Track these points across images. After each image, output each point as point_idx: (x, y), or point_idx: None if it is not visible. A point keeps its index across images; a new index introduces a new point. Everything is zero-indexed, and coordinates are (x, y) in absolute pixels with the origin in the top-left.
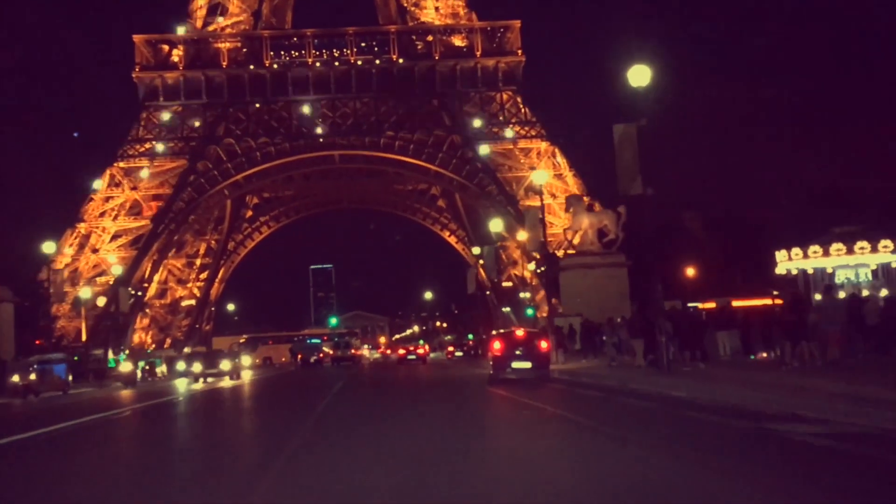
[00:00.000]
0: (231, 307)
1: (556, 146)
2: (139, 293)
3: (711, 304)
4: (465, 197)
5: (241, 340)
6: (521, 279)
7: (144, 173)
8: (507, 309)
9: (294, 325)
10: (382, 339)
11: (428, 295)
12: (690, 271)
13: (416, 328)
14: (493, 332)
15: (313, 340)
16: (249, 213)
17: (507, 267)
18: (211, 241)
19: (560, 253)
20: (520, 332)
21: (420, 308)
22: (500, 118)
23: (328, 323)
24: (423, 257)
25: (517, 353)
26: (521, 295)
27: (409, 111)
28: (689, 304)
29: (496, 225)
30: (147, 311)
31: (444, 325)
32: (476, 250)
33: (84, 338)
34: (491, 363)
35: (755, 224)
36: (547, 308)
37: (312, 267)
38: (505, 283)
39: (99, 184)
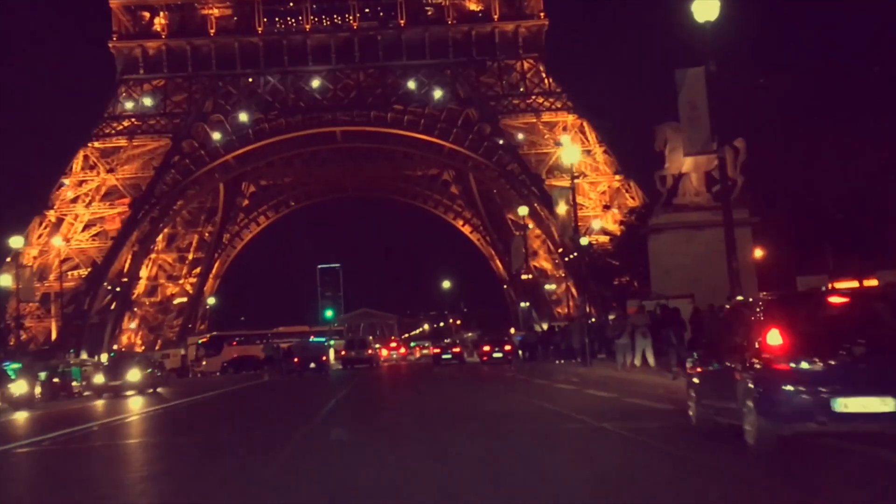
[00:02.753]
0: (211, 301)
1: (584, 119)
2: (118, 288)
3: (849, 282)
4: (481, 179)
5: (202, 340)
6: (542, 272)
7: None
8: (527, 304)
9: (299, 324)
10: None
11: (446, 284)
12: (758, 252)
13: (426, 326)
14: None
15: (317, 339)
16: (245, 202)
17: (526, 258)
18: (204, 233)
19: (592, 239)
20: (838, 298)
21: (429, 306)
22: (521, 89)
23: (324, 317)
24: (433, 250)
25: (862, 365)
26: (547, 287)
27: (419, 83)
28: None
29: (571, 155)
30: (136, 309)
31: (458, 322)
32: (523, 210)
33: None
34: (791, 388)
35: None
36: (574, 304)
37: (320, 266)
38: (524, 276)
39: (71, 166)
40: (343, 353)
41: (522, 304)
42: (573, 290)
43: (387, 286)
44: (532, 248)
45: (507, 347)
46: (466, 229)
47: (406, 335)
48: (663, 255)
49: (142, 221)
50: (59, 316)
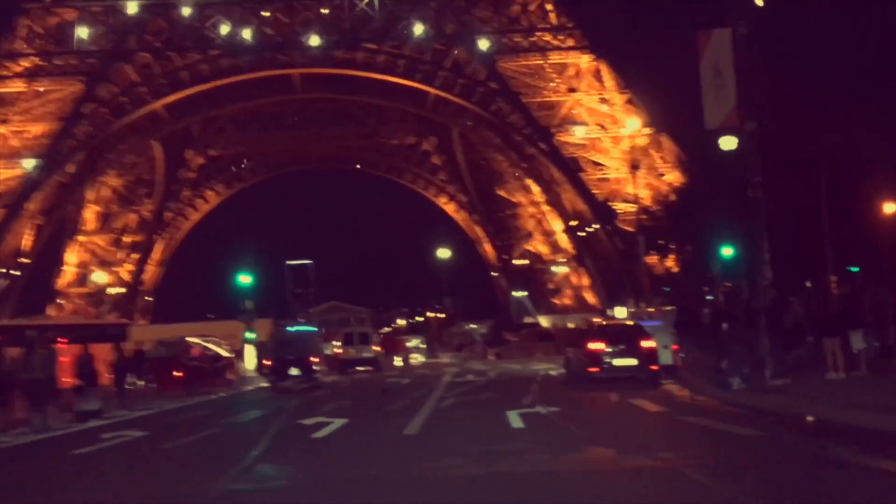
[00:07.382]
0: (98, 277)
1: (602, 61)
2: (17, 272)
3: None
4: (473, 142)
5: None
6: (536, 257)
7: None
8: (523, 293)
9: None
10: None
11: (445, 254)
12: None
13: (400, 321)
14: None
15: (304, 328)
16: (190, 174)
17: (520, 240)
18: (143, 211)
19: (620, 206)
20: None
21: (405, 298)
22: (523, 23)
23: (236, 283)
24: (411, 232)
25: None
26: (554, 269)
27: (396, 16)
28: None
29: None
30: (60, 301)
31: (442, 316)
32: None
33: None
34: None
35: None
36: (586, 286)
37: (289, 263)
38: (518, 261)
39: None
40: (341, 352)
41: (515, 294)
42: (571, 278)
43: (356, 276)
44: (525, 228)
45: (647, 345)
46: (450, 207)
47: (386, 330)
48: None
49: (42, 185)
50: None
